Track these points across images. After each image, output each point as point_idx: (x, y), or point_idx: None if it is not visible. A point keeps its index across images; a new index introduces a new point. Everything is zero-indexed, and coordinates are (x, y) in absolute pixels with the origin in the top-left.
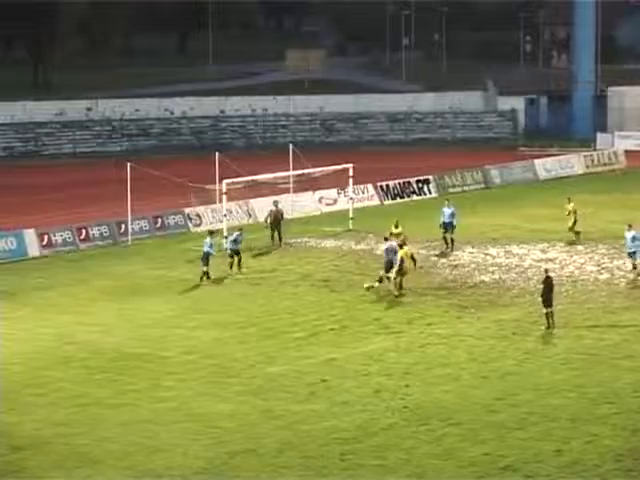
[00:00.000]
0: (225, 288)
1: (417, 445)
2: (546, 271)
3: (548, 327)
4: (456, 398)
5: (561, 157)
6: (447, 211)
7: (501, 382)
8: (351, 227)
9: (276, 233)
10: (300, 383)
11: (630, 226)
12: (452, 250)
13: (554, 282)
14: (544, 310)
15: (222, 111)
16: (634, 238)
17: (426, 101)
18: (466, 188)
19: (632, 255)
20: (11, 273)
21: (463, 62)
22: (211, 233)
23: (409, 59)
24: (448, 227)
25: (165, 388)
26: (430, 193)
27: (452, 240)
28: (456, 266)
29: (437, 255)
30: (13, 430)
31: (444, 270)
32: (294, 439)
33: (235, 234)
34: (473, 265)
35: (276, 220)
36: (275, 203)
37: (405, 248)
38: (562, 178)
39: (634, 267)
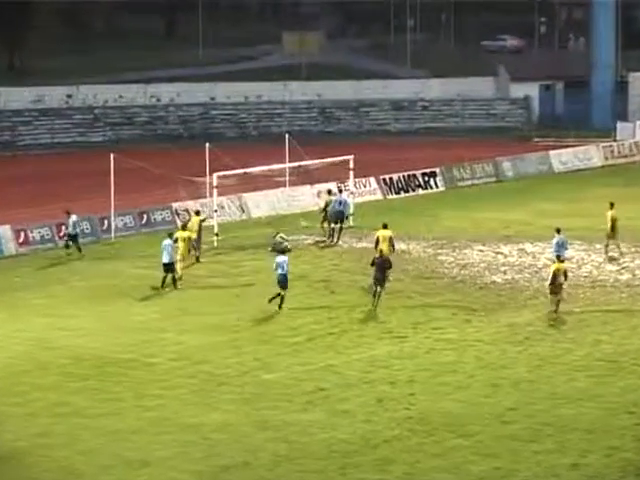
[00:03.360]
0: (214, 288)
1: (423, 459)
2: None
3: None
4: (465, 408)
5: (578, 148)
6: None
7: (514, 391)
8: (351, 223)
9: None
10: (297, 391)
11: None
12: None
13: (570, 282)
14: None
15: (212, 98)
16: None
17: (433, 87)
18: (476, 181)
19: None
20: None
21: (473, 46)
22: (170, 235)
23: (415, 42)
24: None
25: (151, 397)
26: (437, 187)
27: None
28: (465, 266)
29: (444, 254)
30: None
31: (452, 270)
32: (291, 451)
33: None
34: (483, 264)
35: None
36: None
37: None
38: (579, 171)
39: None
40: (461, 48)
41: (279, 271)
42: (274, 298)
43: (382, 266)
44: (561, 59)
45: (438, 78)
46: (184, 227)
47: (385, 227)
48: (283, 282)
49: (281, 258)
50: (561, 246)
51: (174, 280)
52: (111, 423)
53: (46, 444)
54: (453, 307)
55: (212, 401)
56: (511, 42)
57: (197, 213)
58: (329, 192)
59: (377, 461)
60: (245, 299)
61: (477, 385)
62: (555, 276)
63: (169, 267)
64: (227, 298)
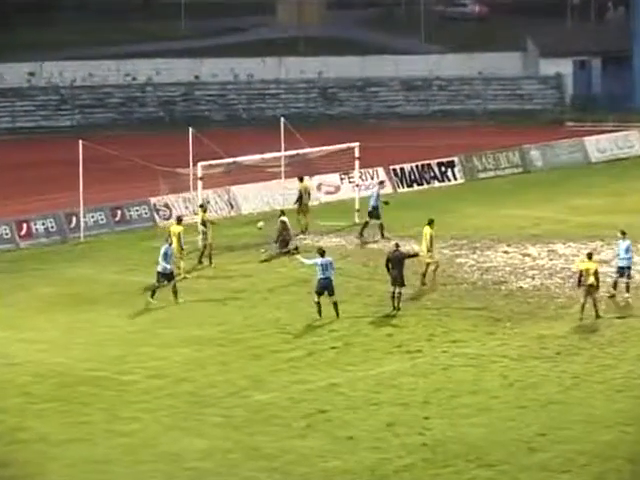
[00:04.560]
0: (200, 296)
1: None
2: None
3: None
4: (487, 434)
5: (618, 134)
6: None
7: (543, 413)
8: (357, 221)
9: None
10: (294, 414)
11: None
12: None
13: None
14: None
15: (196, 77)
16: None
17: (450, 64)
18: (500, 172)
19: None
20: None
21: (497, 16)
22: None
23: (429, 12)
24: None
25: (126, 420)
26: (455, 179)
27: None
28: (487, 269)
29: (464, 255)
30: None
31: (472, 274)
32: None
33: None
34: (508, 268)
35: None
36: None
37: None
38: (619, 160)
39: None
40: (483, 19)
41: (320, 275)
42: (319, 310)
43: (398, 261)
44: (598, 31)
45: (456, 53)
46: (179, 220)
47: (430, 223)
48: (327, 287)
49: (323, 260)
50: (627, 252)
51: (175, 292)
52: (80, 450)
53: (6, 475)
54: (474, 317)
55: (196, 425)
56: (472, 7)
57: (202, 208)
58: (300, 179)
59: None
60: (236, 307)
61: (501, 407)
62: (582, 277)
63: (165, 276)
64: (213, 307)
